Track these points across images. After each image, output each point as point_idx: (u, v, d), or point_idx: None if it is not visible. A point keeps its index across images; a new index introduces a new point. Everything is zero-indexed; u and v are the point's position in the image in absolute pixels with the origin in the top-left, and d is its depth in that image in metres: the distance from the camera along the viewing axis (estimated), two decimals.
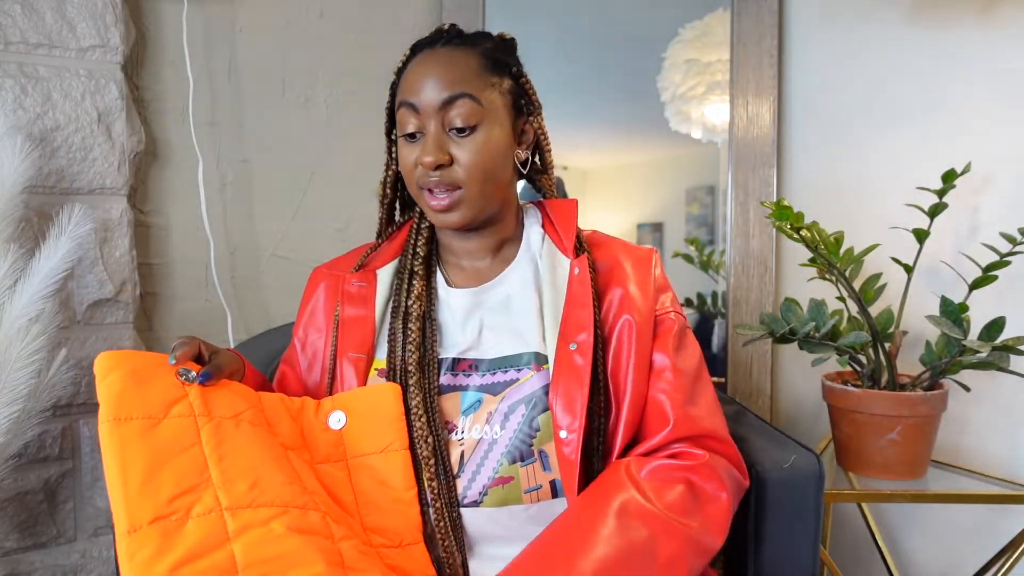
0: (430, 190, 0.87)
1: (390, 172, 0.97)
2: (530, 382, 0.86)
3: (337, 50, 1.48)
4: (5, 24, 1.17)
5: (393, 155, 0.96)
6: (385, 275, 0.95)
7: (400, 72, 0.91)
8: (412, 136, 0.87)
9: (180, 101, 1.37)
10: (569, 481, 0.82)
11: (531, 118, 0.94)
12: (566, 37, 1.58)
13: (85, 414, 1.26)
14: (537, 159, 0.98)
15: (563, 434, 0.82)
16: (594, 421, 0.86)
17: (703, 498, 0.83)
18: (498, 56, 0.91)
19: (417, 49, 0.91)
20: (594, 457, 0.86)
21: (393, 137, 0.95)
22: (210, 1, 1.38)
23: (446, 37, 0.90)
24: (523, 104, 0.94)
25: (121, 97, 1.25)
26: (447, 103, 0.85)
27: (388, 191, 0.98)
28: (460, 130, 0.85)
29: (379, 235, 1.00)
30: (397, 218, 1.02)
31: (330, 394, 0.91)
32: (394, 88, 0.92)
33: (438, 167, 0.85)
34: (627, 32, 1.57)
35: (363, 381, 0.90)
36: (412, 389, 0.86)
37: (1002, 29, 1.43)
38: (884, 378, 1.23)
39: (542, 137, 0.97)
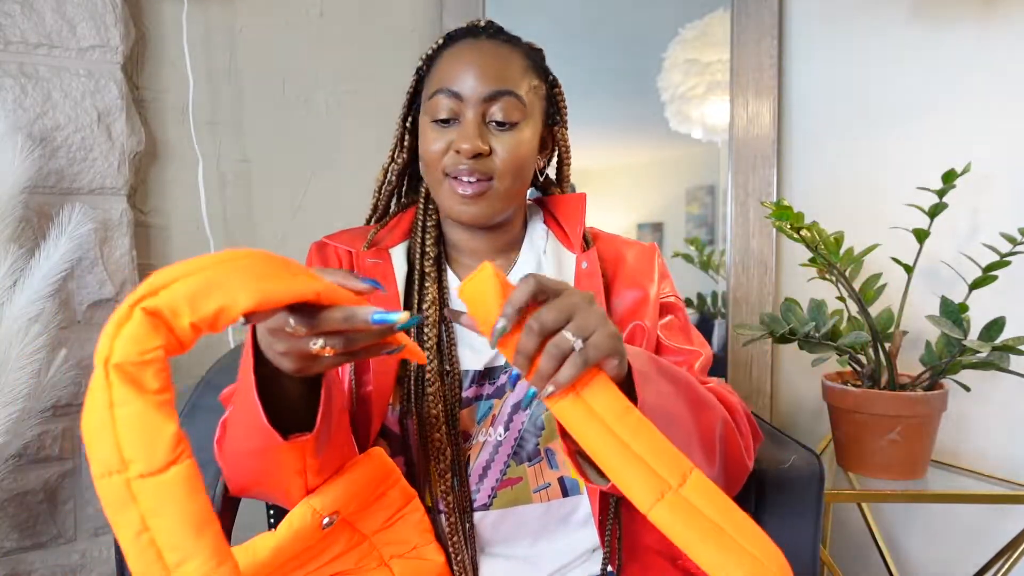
0: (456, 177, 0.83)
1: (399, 160, 0.92)
2: None
3: (337, 50, 1.48)
4: (5, 24, 1.17)
5: (405, 143, 0.92)
6: (399, 253, 0.90)
7: (432, 58, 0.88)
8: (445, 122, 0.83)
9: (180, 101, 1.37)
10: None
11: (556, 128, 0.94)
12: (566, 37, 1.58)
13: None
14: (552, 172, 0.98)
15: None
16: None
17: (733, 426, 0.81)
18: (539, 60, 0.90)
19: (455, 38, 0.87)
20: None
21: (408, 125, 0.91)
22: (210, 1, 1.38)
23: (489, 31, 0.88)
24: (552, 112, 0.93)
25: (121, 97, 1.25)
26: (493, 96, 0.82)
27: (394, 178, 0.93)
28: (500, 124, 0.83)
29: (369, 220, 0.95)
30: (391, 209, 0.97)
31: (355, 376, 0.83)
32: (421, 73, 0.89)
33: (475, 155, 0.81)
34: (627, 32, 1.57)
35: (391, 382, 0.83)
36: (431, 399, 0.82)
37: (1002, 29, 1.43)
38: (884, 378, 1.23)
39: (564, 149, 0.96)
